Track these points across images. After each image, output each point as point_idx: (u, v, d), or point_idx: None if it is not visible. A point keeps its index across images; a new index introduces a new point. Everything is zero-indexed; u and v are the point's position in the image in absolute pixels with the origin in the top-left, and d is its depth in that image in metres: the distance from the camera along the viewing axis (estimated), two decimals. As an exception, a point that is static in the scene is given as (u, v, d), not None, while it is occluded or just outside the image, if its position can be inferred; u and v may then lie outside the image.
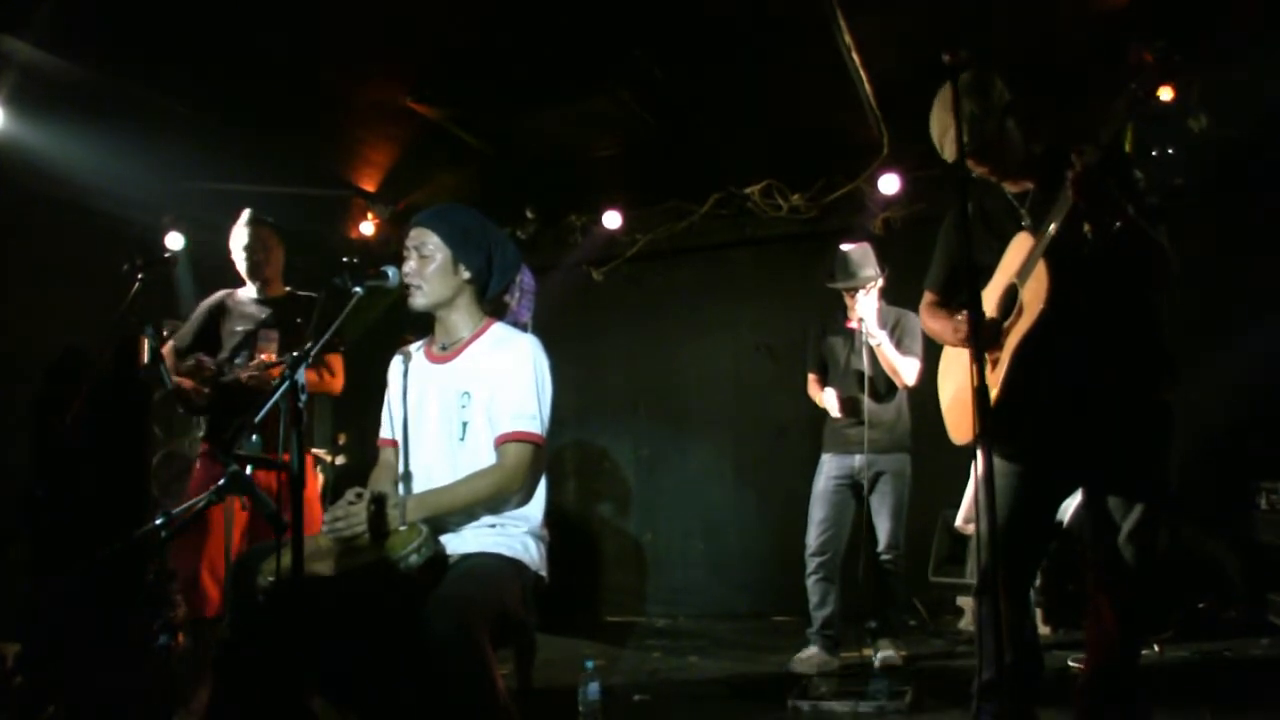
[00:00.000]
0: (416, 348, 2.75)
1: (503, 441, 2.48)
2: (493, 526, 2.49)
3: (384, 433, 2.75)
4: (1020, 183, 2.67)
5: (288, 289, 4.04)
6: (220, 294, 4.00)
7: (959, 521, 4.58)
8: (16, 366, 4.70)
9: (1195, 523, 4.68)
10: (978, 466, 2.08)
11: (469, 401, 2.54)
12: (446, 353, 2.64)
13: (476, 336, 2.63)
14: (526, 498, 2.54)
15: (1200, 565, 4.68)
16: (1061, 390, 2.53)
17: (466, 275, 2.60)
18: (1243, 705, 3.42)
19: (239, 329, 3.87)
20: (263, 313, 3.90)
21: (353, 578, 2.27)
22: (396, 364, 2.74)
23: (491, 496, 2.46)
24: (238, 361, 3.78)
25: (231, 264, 3.98)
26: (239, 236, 3.93)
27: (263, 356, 3.73)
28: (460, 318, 2.64)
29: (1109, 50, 2.94)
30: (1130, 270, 2.48)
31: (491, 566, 2.39)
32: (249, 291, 3.97)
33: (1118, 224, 2.37)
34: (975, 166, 2.65)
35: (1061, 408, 2.54)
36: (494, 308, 2.72)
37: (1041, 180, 2.60)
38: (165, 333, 4.25)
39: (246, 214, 3.95)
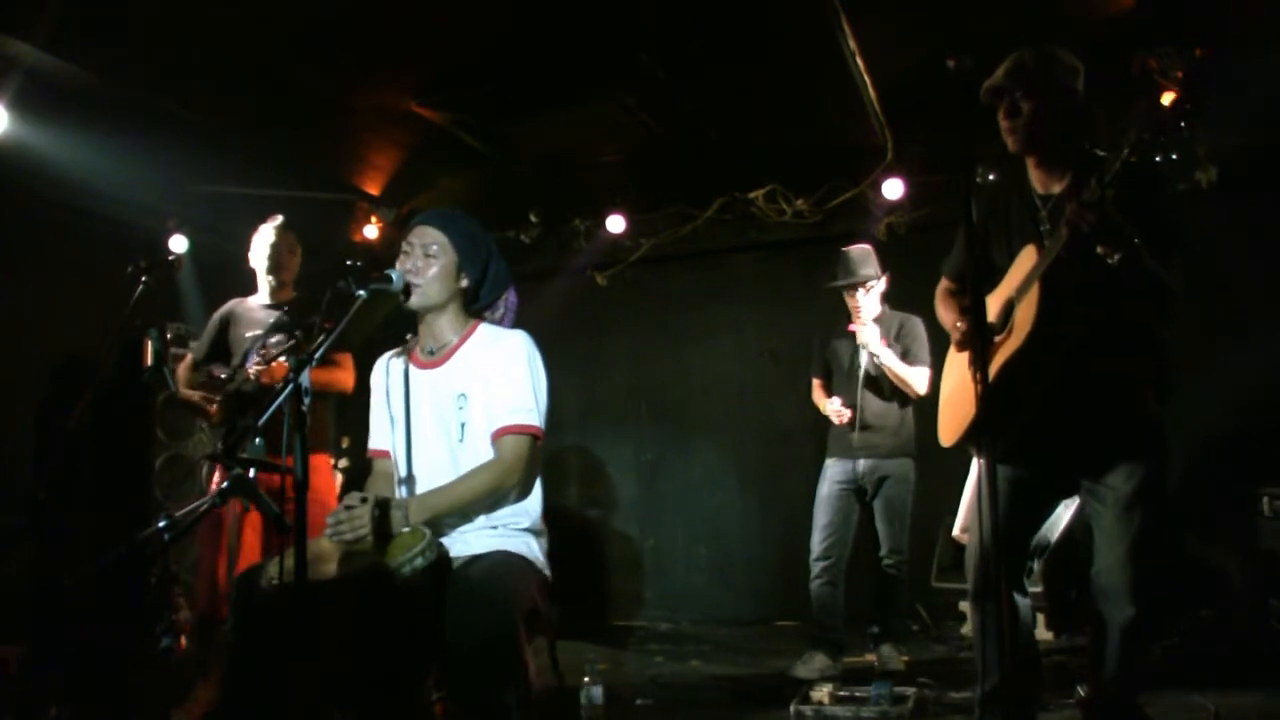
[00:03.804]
0: (397, 353, 2.72)
1: (500, 435, 2.48)
2: (495, 529, 2.49)
3: (374, 444, 2.72)
4: (1049, 181, 2.63)
5: (295, 294, 4.07)
6: (230, 303, 4.04)
7: (956, 530, 4.56)
8: (20, 369, 4.70)
9: (1198, 530, 4.66)
10: (972, 475, 2.08)
11: (466, 403, 2.53)
12: (435, 357, 2.61)
13: (466, 338, 2.61)
14: (525, 491, 2.54)
15: (1203, 572, 4.66)
16: (1043, 413, 2.52)
17: (465, 284, 2.60)
18: (1247, 713, 3.41)
19: (249, 335, 3.90)
20: (271, 318, 3.92)
21: (354, 581, 2.27)
22: (379, 374, 2.71)
23: (491, 491, 2.45)
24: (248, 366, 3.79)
25: (235, 266, 3.98)
26: (266, 236, 3.98)
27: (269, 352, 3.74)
28: (447, 322, 2.62)
29: (1116, 53, 2.93)
30: (1129, 300, 2.47)
31: (515, 563, 2.43)
32: (259, 297, 4.02)
33: (1116, 257, 2.35)
34: (1006, 123, 2.58)
35: (1042, 430, 2.54)
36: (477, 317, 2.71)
37: (1068, 186, 2.57)
38: (169, 335, 4.26)
39: (279, 218, 4.03)
